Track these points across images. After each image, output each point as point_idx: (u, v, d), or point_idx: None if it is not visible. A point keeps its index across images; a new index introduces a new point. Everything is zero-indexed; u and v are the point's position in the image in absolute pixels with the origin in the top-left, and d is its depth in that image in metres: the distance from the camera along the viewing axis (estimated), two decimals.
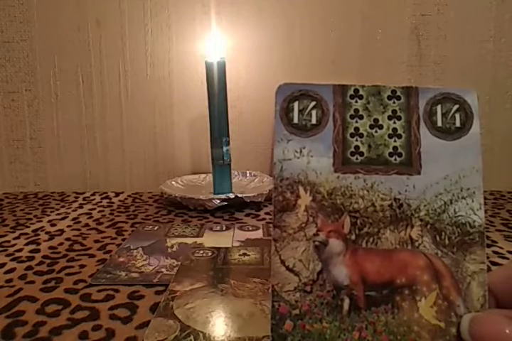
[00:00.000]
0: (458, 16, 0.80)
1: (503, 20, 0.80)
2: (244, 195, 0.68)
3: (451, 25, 0.80)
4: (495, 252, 0.52)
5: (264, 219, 0.66)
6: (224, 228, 0.61)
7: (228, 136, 0.71)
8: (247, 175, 0.82)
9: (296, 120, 0.24)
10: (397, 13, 0.80)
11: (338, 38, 0.81)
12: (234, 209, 0.70)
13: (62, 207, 0.73)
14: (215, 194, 0.71)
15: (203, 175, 0.82)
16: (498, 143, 0.83)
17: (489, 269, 0.24)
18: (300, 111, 0.24)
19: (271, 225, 0.62)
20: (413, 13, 0.80)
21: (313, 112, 0.24)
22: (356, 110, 0.25)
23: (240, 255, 0.50)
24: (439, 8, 0.80)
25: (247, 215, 0.68)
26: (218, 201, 0.67)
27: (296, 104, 0.24)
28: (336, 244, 0.23)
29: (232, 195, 0.68)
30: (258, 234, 0.58)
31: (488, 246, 0.54)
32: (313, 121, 0.24)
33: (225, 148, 0.71)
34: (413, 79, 0.82)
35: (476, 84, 0.81)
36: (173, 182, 0.78)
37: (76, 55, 0.82)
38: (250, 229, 0.60)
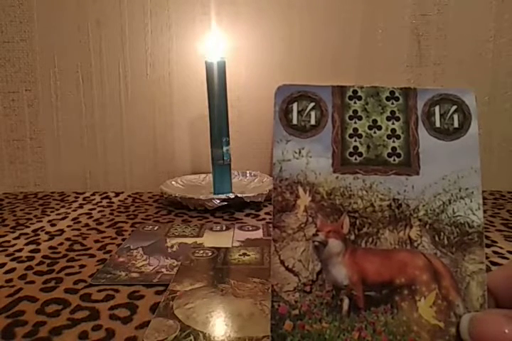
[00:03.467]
0: (458, 16, 0.80)
1: (503, 20, 0.80)
2: (244, 195, 0.68)
3: (451, 25, 0.80)
4: (495, 252, 0.52)
5: (264, 219, 0.66)
6: (224, 228, 0.61)
7: (228, 136, 0.71)
8: (247, 175, 0.82)
9: (295, 121, 0.24)
10: (397, 13, 0.80)
11: (337, 38, 0.81)
12: (234, 209, 0.70)
13: (62, 207, 0.73)
14: (215, 194, 0.71)
15: (203, 175, 0.82)
16: (497, 143, 0.83)
17: (489, 269, 0.24)
18: (299, 112, 0.24)
19: (271, 225, 0.62)
20: (413, 13, 0.80)
21: (312, 113, 0.24)
22: (355, 111, 0.25)
23: (240, 255, 0.50)
24: (439, 8, 0.80)
25: (247, 215, 0.68)
26: (218, 201, 0.67)
27: (295, 105, 0.24)
28: (335, 244, 0.23)
29: (232, 195, 0.68)
30: (258, 234, 0.59)
31: (488, 246, 0.54)
32: (312, 122, 0.24)
33: (225, 148, 0.71)
34: (413, 80, 0.82)
35: (476, 84, 0.81)
36: (173, 182, 0.78)
37: (76, 55, 0.82)
38: (250, 229, 0.60)
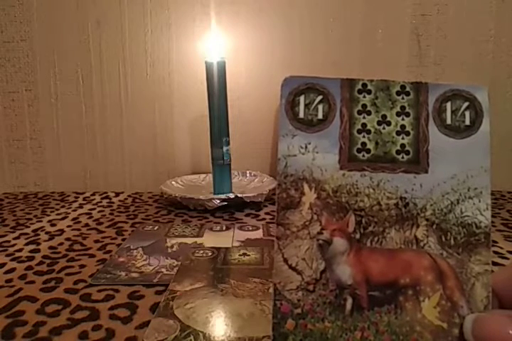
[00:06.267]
0: (458, 16, 0.80)
1: (503, 20, 0.80)
2: (244, 195, 0.68)
3: (451, 25, 0.80)
4: (495, 252, 0.52)
5: (264, 219, 0.65)
6: (224, 228, 0.61)
7: (228, 136, 0.71)
8: (247, 175, 0.82)
9: (301, 114, 0.24)
10: (397, 13, 0.80)
11: (338, 38, 0.81)
12: (234, 209, 0.70)
13: (62, 207, 0.73)
14: (215, 194, 0.71)
15: (203, 175, 0.82)
16: (498, 143, 0.82)
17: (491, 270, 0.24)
18: (306, 106, 0.24)
19: (271, 225, 0.61)
20: (413, 13, 0.80)
21: (320, 107, 0.24)
22: (364, 105, 0.24)
23: (240, 255, 0.50)
24: (439, 8, 0.80)
25: (247, 215, 0.67)
26: (218, 201, 0.67)
27: (302, 98, 0.24)
28: (340, 243, 0.23)
29: (232, 195, 0.67)
30: (258, 234, 0.58)
31: None
32: (320, 116, 0.24)
33: (225, 148, 0.70)
34: (413, 80, 0.82)
35: (476, 84, 0.81)
36: (173, 182, 0.78)
37: (76, 55, 0.82)
38: (250, 229, 0.60)
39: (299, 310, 0.22)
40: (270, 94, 0.80)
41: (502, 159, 0.83)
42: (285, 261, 0.23)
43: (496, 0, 0.79)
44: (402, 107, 0.24)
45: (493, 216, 0.66)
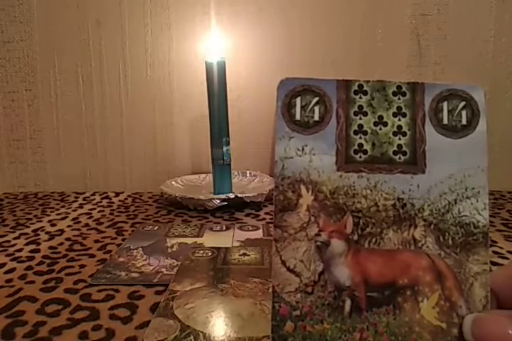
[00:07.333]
0: (458, 16, 0.80)
1: (503, 20, 0.80)
2: (244, 195, 0.68)
3: (451, 25, 0.80)
4: (495, 252, 0.52)
5: (264, 219, 0.66)
6: (224, 228, 0.61)
7: (228, 136, 0.71)
8: (247, 175, 0.82)
9: (298, 116, 0.24)
10: (397, 13, 0.80)
11: (338, 38, 0.81)
12: (234, 209, 0.70)
13: (62, 207, 0.73)
14: (215, 194, 0.71)
15: (203, 175, 0.82)
16: (498, 143, 0.82)
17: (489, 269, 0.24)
18: (302, 108, 0.24)
19: (271, 225, 0.61)
20: (413, 13, 0.80)
21: (316, 108, 0.24)
22: (360, 106, 0.24)
23: (240, 255, 0.50)
24: (439, 8, 0.80)
25: (247, 215, 0.67)
26: (218, 201, 0.67)
27: (298, 100, 0.24)
28: (337, 245, 0.23)
29: (232, 195, 0.67)
30: (258, 234, 0.58)
31: None
32: (316, 117, 0.24)
33: (225, 148, 0.70)
34: (413, 80, 0.81)
35: (476, 84, 0.81)
36: (173, 182, 0.78)
37: (76, 55, 0.82)
38: (250, 229, 0.60)
39: (297, 312, 0.22)
40: (270, 94, 0.79)
41: (502, 159, 0.83)
42: (283, 263, 0.23)
43: (496, 0, 0.79)
44: (399, 108, 0.24)
45: (492, 216, 0.66)
